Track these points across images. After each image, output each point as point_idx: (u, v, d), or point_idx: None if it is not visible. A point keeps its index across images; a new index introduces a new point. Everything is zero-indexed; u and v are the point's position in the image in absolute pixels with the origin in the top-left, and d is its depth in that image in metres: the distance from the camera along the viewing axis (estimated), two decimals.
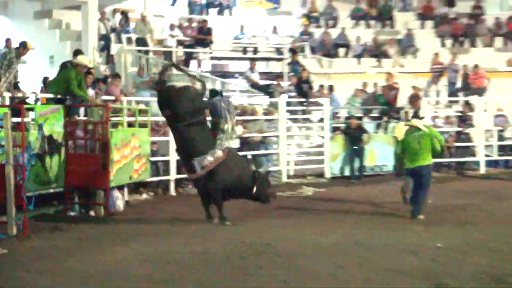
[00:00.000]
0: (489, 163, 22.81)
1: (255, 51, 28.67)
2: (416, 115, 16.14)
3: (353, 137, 21.43)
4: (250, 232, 12.90)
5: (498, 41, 31.42)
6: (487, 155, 22.46)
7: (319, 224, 13.88)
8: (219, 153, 13.56)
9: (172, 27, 27.27)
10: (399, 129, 21.14)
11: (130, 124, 16.42)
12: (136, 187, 17.17)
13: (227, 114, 13.83)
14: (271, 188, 14.57)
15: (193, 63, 26.65)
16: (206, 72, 25.72)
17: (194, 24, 27.83)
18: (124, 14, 26.49)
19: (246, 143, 20.13)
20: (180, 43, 27.07)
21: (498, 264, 9.82)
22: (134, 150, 16.01)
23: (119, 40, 25.64)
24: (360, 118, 22.12)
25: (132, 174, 16.02)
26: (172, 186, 18.02)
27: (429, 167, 14.48)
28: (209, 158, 13.50)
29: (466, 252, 10.70)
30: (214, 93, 14.43)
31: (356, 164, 21.44)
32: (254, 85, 24.53)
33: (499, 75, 28.17)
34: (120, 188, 15.90)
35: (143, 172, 16.62)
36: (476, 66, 25.73)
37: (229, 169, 13.81)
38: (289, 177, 21.15)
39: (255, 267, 9.87)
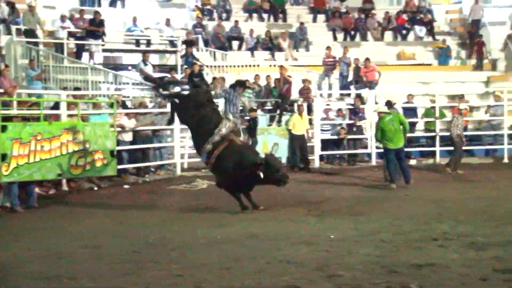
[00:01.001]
0: (381, 155, 23.27)
1: (148, 43, 28.43)
2: (389, 103, 20.19)
3: (250, 129, 21.54)
4: (143, 226, 12.84)
5: (388, 35, 32.06)
6: (378, 147, 22.91)
7: (213, 217, 13.92)
8: (216, 138, 14.35)
9: (63, 18, 26.74)
10: (294, 121, 21.68)
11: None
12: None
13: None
14: (280, 170, 14.47)
15: (85, 55, 26.20)
16: (98, 64, 25.35)
17: (86, 16, 27.40)
18: (10, 4, 25.77)
19: (138, 136, 19.98)
20: (71, 34, 26.57)
21: (389, 254, 10.01)
22: (70, 145, 15.78)
23: (9, 31, 24.98)
24: (255, 110, 22.22)
25: (65, 170, 15.77)
26: (64, 181, 17.69)
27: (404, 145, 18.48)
28: (208, 146, 14.40)
29: (358, 243, 10.88)
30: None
31: None
32: (147, 78, 24.32)
33: (389, 69, 28.75)
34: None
35: (98, 168, 16.40)
36: (367, 60, 26.15)
37: (228, 162, 14.29)
38: (183, 170, 21.12)
39: (150, 262, 9.81)
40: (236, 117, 14.97)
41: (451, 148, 21.68)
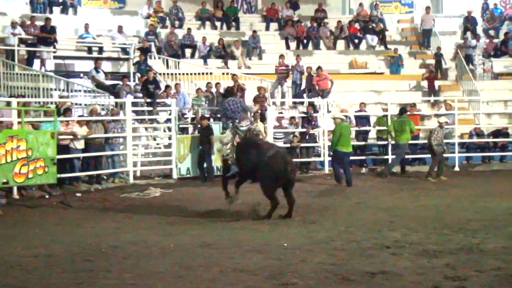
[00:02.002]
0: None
1: (100, 50, 28.26)
2: (404, 110, 22.61)
3: (203, 137, 21.51)
4: (96, 234, 12.74)
5: (340, 44, 32.26)
6: (330, 155, 23.01)
7: (166, 225, 13.84)
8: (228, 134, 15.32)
9: (13, 25, 26.44)
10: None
11: None
12: None
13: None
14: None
15: (36, 62, 25.97)
16: (49, 71, 25.11)
17: (37, 22, 27.12)
18: None
19: (90, 144, 19.84)
20: (22, 41, 26.30)
21: (342, 262, 10.04)
22: (15, 152, 15.58)
23: None
24: (208, 119, 22.17)
25: (9, 178, 15.57)
26: (15, 189, 17.47)
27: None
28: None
29: (311, 251, 10.90)
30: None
31: (205, 164, 21.54)
32: (100, 85, 24.15)
33: (341, 77, 28.93)
34: None
35: (40, 176, 16.21)
36: (319, 68, 26.25)
37: (239, 157, 14.73)
38: (136, 178, 21.02)
39: (102, 271, 9.72)
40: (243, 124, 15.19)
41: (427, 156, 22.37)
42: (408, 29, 34.47)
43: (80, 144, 19.55)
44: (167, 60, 28.57)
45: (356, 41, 32.25)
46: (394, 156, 22.83)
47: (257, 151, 14.41)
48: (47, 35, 26.50)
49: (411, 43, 33.23)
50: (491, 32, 32.85)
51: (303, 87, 26.89)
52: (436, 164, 21.69)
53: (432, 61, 31.04)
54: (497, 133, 25.24)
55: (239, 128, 14.94)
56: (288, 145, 22.87)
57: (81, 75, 25.92)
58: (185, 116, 23.62)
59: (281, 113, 24.77)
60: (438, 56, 30.43)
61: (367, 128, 24.07)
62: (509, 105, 28.11)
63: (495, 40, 31.89)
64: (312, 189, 19.49)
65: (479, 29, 33.14)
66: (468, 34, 32.64)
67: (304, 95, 26.46)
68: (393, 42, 32.84)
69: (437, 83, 29.59)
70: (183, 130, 22.97)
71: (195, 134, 22.32)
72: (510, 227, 12.87)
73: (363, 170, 23.28)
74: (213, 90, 24.36)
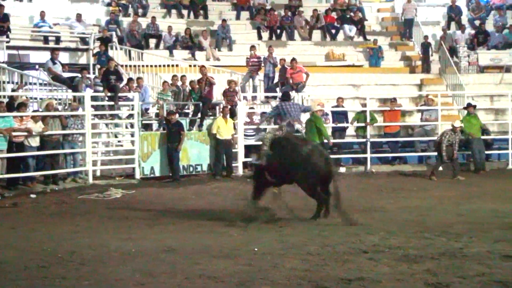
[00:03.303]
0: None
1: (58, 40, 28.11)
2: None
3: (171, 134, 21.48)
4: (52, 239, 12.69)
5: (316, 35, 32.30)
6: None
7: (128, 228, 13.82)
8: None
9: None
10: (218, 125, 21.83)
11: None
12: None
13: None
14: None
15: None
16: (2, 62, 24.93)
17: None
18: None
19: (47, 142, 19.75)
20: None
21: (316, 268, 10.08)
22: None
23: None
24: (174, 114, 22.12)
25: None
26: None
27: None
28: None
29: (284, 256, 10.93)
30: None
31: (174, 163, 21.53)
32: (56, 78, 24.00)
33: (317, 70, 28.94)
34: None
35: None
36: (294, 60, 26.22)
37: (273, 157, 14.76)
38: (95, 178, 20.95)
39: (58, 277, 9.70)
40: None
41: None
42: (388, 19, 34.55)
43: (35, 142, 19.46)
44: (129, 51, 28.43)
45: (333, 31, 32.27)
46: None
47: (292, 148, 14.66)
48: None
49: (391, 34, 33.29)
50: (477, 23, 33.06)
51: (276, 80, 26.85)
52: (440, 165, 22.08)
53: (413, 53, 31.22)
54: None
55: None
56: (260, 142, 22.81)
57: (37, 66, 25.72)
58: (148, 111, 23.55)
59: (252, 108, 24.76)
60: (425, 47, 30.50)
61: (344, 124, 24.16)
62: (495, 100, 28.29)
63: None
64: (285, 189, 19.46)
65: (464, 20, 33.33)
66: (453, 24, 32.85)
67: (277, 89, 26.45)
68: (373, 33, 32.91)
69: (419, 77, 29.74)
70: (147, 127, 22.91)
71: (160, 131, 22.30)
72: (494, 230, 13.00)
73: (342, 169, 23.31)
74: (179, 83, 24.28)
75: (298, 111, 16.60)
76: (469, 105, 23.99)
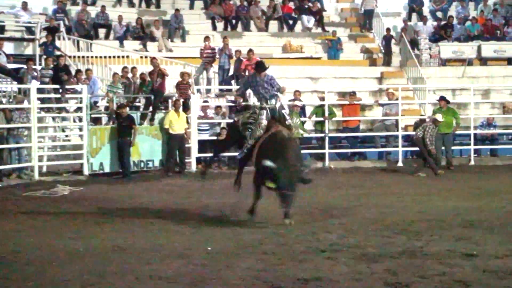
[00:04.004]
0: None
1: (2, 29, 27.87)
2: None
3: (122, 128, 21.38)
4: None
5: (273, 25, 32.32)
6: None
7: (76, 227, 13.74)
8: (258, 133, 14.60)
9: None
10: (170, 119, 21.77)
11: None
12: None
13: None
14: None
15: None
16: None
17: None
18: None
19: None
20: None
21: (272, 268, 10.10)
22: None
23: None
24: (124, 107, 22.03)
25: None
26: None
27: None
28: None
29: (238, 255, 10.94)
30: None
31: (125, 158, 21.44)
32: (1, 69, 23.82)
33: (274, 62, 28.86)
34: None
35: None
36: (250, 52, 26.25)
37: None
38: (42, 174, 20.83)
39: (2, 278, 9.63)
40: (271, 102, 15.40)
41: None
42: (348, 10, 34.71)
43: None
44: (78, 42, 28.28)
45: (291, 22, 32.34)
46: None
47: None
48: None
49: (351, 25, 33.47)
50: (439, 14, 33.33)
51: (231, 72, 26.89)
52: (432, 160, 22.08)
53: (373, 45, 31.40)
54: None
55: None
56: (214, 137, 22.83)
57: None
58: (97, 105, 23.42)
59: (206, 101, 24.75)
60: (388, 40, 30.62)
61: (302, 119, 24.21)
62: (457, 94, 28.51)
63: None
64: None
65: (426, 11, 33.58)
66: (414, 16, 33.08)
67: (233, 81, 26.47)
68: (332, 24, 33.01)
69: (379, 70, 29.90)
70: (96, 121, 22.79)
71: (110, 125, 22.19)
72: (455, 228, 13.11)
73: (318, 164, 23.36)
74: (130, 75, 24.17)
75: (268, 88, 15.88)
76: (441, 98, 23.95)
